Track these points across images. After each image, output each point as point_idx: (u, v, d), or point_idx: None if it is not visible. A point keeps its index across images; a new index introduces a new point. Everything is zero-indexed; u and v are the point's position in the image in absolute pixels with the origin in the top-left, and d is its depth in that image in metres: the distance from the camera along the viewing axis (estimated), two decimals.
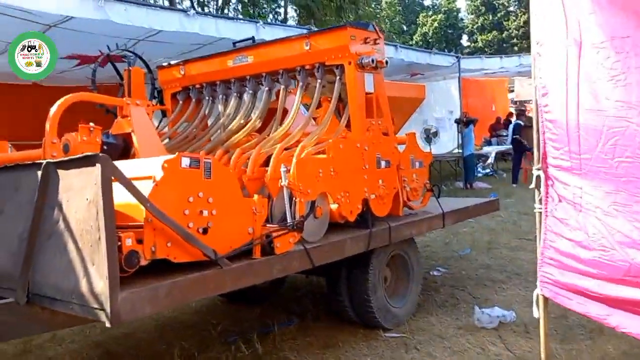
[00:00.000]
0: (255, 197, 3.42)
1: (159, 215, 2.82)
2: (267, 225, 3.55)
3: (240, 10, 20.08)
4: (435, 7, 52.59)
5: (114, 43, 5.82)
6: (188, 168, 3.05)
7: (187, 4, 21.15)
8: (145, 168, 3.06)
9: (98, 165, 2.61)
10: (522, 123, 13.25)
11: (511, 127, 13.77)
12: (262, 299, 5.59)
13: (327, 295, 4.99)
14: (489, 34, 47.35)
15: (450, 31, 50.26)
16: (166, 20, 6.83)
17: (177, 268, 3.03)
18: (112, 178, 2.64)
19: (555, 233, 2.99)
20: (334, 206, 4.06)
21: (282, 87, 4.72)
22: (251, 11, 19.62)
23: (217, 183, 3.19)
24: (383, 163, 4.45)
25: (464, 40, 51.30)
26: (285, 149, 4.10)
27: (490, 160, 16.16)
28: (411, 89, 5.98)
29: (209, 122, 5.31)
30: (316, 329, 4.80)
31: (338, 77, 4.39)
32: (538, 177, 3.03)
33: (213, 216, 3.14)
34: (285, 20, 21.63)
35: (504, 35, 46.24)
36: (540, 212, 3.08)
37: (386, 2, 45.44)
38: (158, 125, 5.51)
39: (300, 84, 4.58)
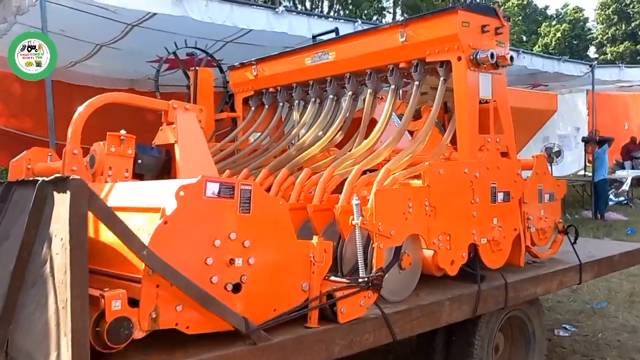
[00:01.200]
0: (315, 239, 2.44)
1: (160, 269, 1.92)
2: (331, 278, 2.55)
3: (341, 13, 19.32)
4: (560, 16, 48.90)
5: (199, 44, 5.18)
6: (215, 198, 2.14)
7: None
8: (156, 195, 2.20)
9: (68, 193, 1.77)
10: None
11: None
12: None
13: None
14: (620, 45, 43.02)
15: (575, 42, 46.40)
16: (251, 18, 6.10)
17: (195, 337, 2.13)
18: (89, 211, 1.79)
19: None
20: (427, 253, 2.97)
21: (370, 91, 3.71)
22: (355, 12, 18.74)
23: (258, 219, 2.25)
24: (500, 195, 3.28)
25: (591, 52, 47.09)
26: (366, 171, 3.09)
27: (625, 186, 13.92)
28: (540, 99, 4.71)
29: (286, 132, 4.43)
30: None
31: (443, 78, 3.30)
32: None
33: (249, 267, 2.20)
34: None
35: (639, 46, 41.76)
36: None
37: (505, 11, 42.89)
38: (232, 136, 4.69)
39: (392, 86, 3.55)
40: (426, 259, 2.99)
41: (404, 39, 3.32)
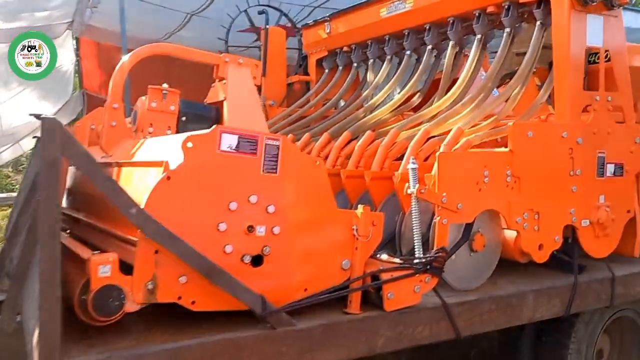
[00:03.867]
0: (360, 208, 2.03)
1: (153, 231, 1.62)
2: (380, 258, 2.13)
3: None
4: None
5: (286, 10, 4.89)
6: (233, 152, 1.80)
7: None
8: (162, 149, 1.90)
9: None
10: None
11: None
12: None
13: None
14: None
15: None
16: None
17: (206, 316, 1.82)
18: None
19: None
20: (509, 234, 2.43)
21: (452, 43, 3.17)
22: None
23: (287, 182, 1.89)
24: (610, 168, 2.64)
25: None
26: (434, 136, 2.60)
27: None
28: None
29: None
30: None
31: (539, 22, 2.69)
32: None
33: (274, 237, 1.85)
34: None
35: None
36: None
37: None
38: (303, 100, 4.35)
39: (479, 36, 2.99)
40: (508, 241, 2.46)
41: None
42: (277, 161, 1.88)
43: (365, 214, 2.02)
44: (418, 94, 3.44)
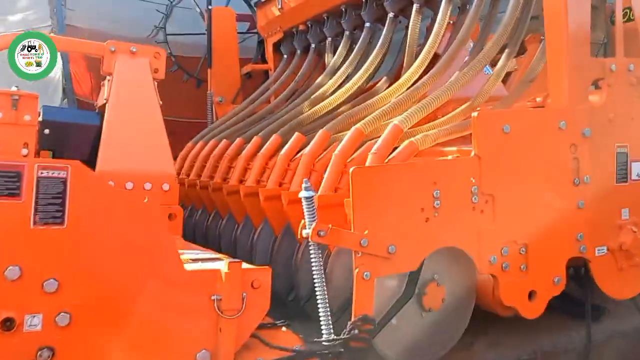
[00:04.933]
0: (224, 265, 1.29)
1: None
2: (265, 337, 1.39)
3: None
4: None
5: None
6: None
7: None
8: None
9: None
10: None
11: None
12: None
13: None
14: None
15: None
16: None
17: None
18: None
19: None
20: (485, 278, 1.65)
21: (416, 7, 2.37)
22: None
23: (83, 236, 1.17)
24: (637, 168, 1.81)
25: None
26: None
27: None
28: None
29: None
30: None
31: None
32: None
33: (59, 331, 1.14)
34: None
35: None
36: None
37: None
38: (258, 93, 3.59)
39: None
40: (482, 287, 1.67)
41: None
42: (63, 205, 1.16)
43: (232, 274, 1.28)
44: (385, 78, 2.65)
